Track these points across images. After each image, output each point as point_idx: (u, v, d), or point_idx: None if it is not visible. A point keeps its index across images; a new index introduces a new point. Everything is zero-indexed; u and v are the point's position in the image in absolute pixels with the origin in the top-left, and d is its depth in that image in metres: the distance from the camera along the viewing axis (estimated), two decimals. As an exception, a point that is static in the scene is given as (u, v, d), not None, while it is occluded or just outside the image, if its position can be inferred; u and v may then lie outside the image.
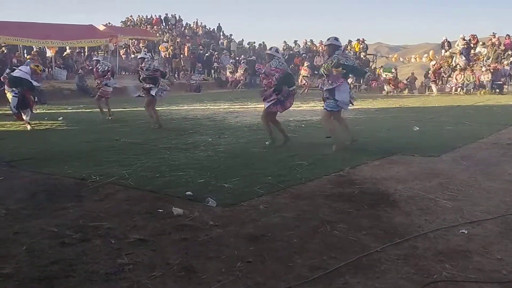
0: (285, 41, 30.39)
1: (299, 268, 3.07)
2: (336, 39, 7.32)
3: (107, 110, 11.55)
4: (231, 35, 33.75)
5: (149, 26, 34.78)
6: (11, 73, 9.85)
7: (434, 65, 21.60)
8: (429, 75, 21.64)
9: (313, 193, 4.83)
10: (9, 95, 9.69)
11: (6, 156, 6.76)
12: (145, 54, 10.83)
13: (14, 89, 9.49)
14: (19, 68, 10.15)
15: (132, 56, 27.05)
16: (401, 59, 28.05)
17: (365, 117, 11.99)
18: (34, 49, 21.41)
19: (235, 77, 24.07)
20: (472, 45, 23.53)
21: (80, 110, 12.54)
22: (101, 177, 5.43)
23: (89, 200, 4.65)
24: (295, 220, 4.00)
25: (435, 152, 6.88)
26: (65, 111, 12.83)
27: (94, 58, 13.04)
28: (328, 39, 7.34)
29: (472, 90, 20.51)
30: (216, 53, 28.09)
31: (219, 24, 35.83)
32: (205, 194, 4.72)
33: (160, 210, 4.25)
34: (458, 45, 24.16)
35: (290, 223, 3.93)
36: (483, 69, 20.71)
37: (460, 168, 5.94)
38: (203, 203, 4.45)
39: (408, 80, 22.27)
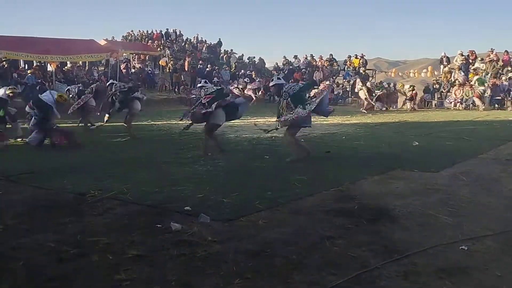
0: (285, 56, 30.61)
1: (298, 285, 3.04)
2: (278, 78, 8.04)
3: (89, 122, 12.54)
4: (231, 50, 34.01)
5: (150, 40, 35.04)
6: (38, 95, 9.89)
7: (410, 89, 21.57)
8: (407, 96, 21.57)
9: (312, 209, 4.81)
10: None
11: (5, 170, 6.75)
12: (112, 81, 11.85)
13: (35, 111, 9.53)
14: (46, 92, 10.03)
15: (133, 70, 27.23)
16: (400, 73, 28.19)
17: (364, 131, 12.00)
18: (35, 64, 21.51)
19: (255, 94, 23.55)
20: (470, 60, 23.67)
21: (79, 124, 12.55)
22: (100, 192, 5.42)
23: (87, 215, 4.63)
24: (294, 236, 3.98)
25: (435, 167, 6.87)
26: (65, 125, 12.81)
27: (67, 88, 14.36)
28: (272, 80, 8.15)
29: (471, 105, 20.58)
30: (216, 67, 28.26)
31: (219, 39, 36.12)
32: (204, 209, 4.70)
33: (158, 225, 4.23)
34: (456, 60, 24.30)
35: (289, 238, 3.91)
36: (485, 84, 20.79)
37: (460, 183, 5.92)
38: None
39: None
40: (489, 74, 21.70)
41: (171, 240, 3.85)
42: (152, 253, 3.58)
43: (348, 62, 27.70)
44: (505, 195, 5.36)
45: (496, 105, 20.09)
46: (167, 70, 27.83)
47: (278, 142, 9.98)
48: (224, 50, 34.25)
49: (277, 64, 30.79)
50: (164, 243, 3.80)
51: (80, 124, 12.52)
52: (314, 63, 28.44)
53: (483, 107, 19.57)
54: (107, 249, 3.66)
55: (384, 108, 20.57)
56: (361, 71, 25.55)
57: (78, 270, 3.26)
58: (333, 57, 28.84)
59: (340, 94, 24.39)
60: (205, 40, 35.96)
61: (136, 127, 11.18)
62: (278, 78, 8.07)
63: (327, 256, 3.53)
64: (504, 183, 5.97)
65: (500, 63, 22.74)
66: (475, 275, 3.18)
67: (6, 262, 3.43)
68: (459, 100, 20.95)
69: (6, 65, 19.76)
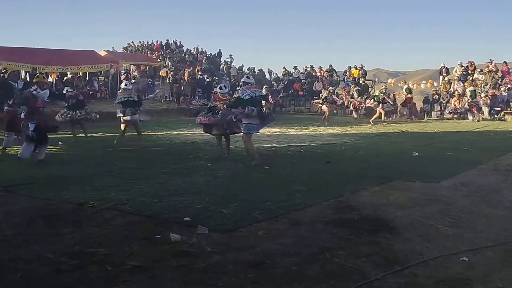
0: (284, 66, 30.72)
1: (298, 296, 3.02)
2: (247, 77, 9.14)
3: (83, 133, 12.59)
4: (231, 55, 34.21)
5: (150, 51, 35.21)
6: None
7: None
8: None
9: (312, 219, 4.79)
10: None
11: (4, 180, 6.73)
12: (125, 85, 11.51)
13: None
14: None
15: (133, 81, 27.30)
16: (399, 84, 28.25)
17: (364, 142, 12.01)
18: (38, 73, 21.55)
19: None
20: (469, 71, 23.75)
21: (79, 134, 12.54)
22: (99, 202, 5.39)
23: (86, 225, 4.60)
24: (294, 247, 3.96)
25: (435, 178, 6.87)
26: (64, 135, 12.81)
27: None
28: (247, 77, 9.11)
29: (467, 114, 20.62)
30: (216, 78, 28.34)
31: (219, 50, 36.30)
32: (204, 219, 4.68)
33: (158, 236, 4.21)
34: (456, 71, 24.39)
35: (289, 249, 3.89)
36: (482, 95, 20.85)
37: (460, 194, 5.91)
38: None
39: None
40: (488, 85, 21.78)
41: (170, 251, 3.83)
42: (151, 264, 3.56)
43: (347, 72, 27.80)
44: (505, 206, 5.35)
45: (496, 116, 20.13)
46: (167, 81, 27.91)
47: (278, 152, 10.00)
48: (224, 60, 34.40)
49: (276, 74, 30.90)
50: (164, 254, 3.77)
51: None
52: (313, 73, 28.53)
53: (477, 119, 19.56)
54: (106, 260, 3.63)
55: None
56: (360, 82, 25.62)
57: (76, 282, 3.23)
58: (333, 67, 28.96)
59: (340, 104, 24.41)
60: (205, 51, 36.18)
61: (135, 137, 11.16)
62: (247, 77, 9.12)
63: (327, 267, 3.51)
64: (504, 194, 5.96)
65: (499, 73, 22.83)
66: (476, 286, 3.16)
67: (4, 273, 3.40)
68: (459, 111, 20.97)
69: (6, 76, 19.79)
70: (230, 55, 34.26)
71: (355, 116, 21.84)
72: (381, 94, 19.77)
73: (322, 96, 21.40)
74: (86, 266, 3.52)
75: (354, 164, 8.38)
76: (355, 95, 22.53)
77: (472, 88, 20.67)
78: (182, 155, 9.57)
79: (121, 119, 10.74)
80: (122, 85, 11.56)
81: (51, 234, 4.29)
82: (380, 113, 19.19)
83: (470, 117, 19.98)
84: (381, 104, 19.28)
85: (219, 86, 9.79)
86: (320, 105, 20.98)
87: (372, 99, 19.93)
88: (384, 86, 21.74)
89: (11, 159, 9.18)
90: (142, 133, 11.56)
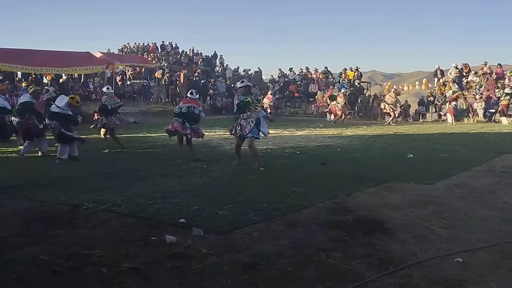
0: (280, 68, 30.77)
1: (293, 298, 3.03)
2: (191, 92, 9.70)
3: None
4: (221, 55, 34.30)
5: (145, 53, 35.17)
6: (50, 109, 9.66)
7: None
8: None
9: (308, 221, 4.80)
10: None
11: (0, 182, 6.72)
12: (107, 89, 11.42)
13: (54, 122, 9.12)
14: (55, 103, 9.42)
15: (128, 82, 27.28)
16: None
17: (360, 143, 12.03)
18: (32, 75, 21.50)
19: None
20: (464, 73, 23.85)
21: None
22: (94, 204, 5.38)
23: (81, 227, 4.60)
24: (290, 248, 3.97)
25: (430, 179, 6.89)
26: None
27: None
28: (242, 82, 8.73)
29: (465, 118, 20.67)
30: (212, 79, 28.35)
31: (215, 51, 36.29)
32: (199, 221, 4.69)
33: (153, 238, 4.21)
34: (451, 73, 24.48)
35: (284, 251, 3.90)
36: (477, 97, 20.94)
37: (455, 195, 5.94)
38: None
39: (402, 107, 22.44)
40: (482, 87, 21.87)
41: (166, 253, 3.83)
42: (147, 266, 3.56)
43: (343, 74, 27.87)
44: (499, 207, 5.38)
45: (492, 118, 20.22)
46: (163, 83, 27.89)
47: (274, 154, 10.01)
48: (220, 62, 34.39)
49: (272, 76, 30.95)
50: (159, 256, 3.78)
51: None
52: (309, 75, 28.58)
53: (454, 123, 19.48)
54: (101, 262, 3.63)
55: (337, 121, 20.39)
56: (356, 84, 25.67)
57: (72, 283, 3.23)
58: (328, 69, 29.03)
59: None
60: (201, 52, 36.16)
61: (131, 139, 11.14)
62: (191, 93, 9.66)
63: (323, 268, 3.52)
64: (498, 195, 5.99)
65: (494, 76, 22.93)
66: (470, 287, 3.18)
67: (0, 275, 3.39)
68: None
69: (1, 77, 19.72)
70: (221, 56, 34.34)
71: (330, 119, 21.60)
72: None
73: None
74: (81, 267, 3.52)
75: (350, 166, 8.40)
76: (340, 100, 21.56)
77: (451, 91, 20.74)
78: (178, 157, 9.55)
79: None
80: (104, 89, 11.56)
81: (46, 236, 4.28)
82: (393, 114, 19.58)
83: (449, 120, 19.92)
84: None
85: (190, 91, 9.81)
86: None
87: (392, 104, 19.83)
88: (394, 89, 21.75)
89: (8, 161, 9.16)
90: (138, 135, 11.51)
